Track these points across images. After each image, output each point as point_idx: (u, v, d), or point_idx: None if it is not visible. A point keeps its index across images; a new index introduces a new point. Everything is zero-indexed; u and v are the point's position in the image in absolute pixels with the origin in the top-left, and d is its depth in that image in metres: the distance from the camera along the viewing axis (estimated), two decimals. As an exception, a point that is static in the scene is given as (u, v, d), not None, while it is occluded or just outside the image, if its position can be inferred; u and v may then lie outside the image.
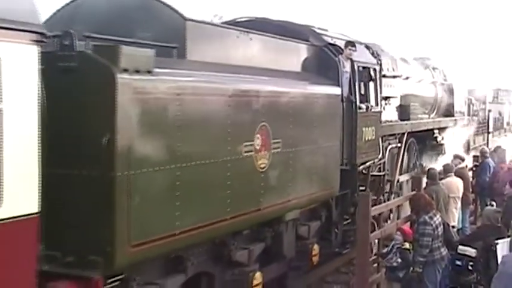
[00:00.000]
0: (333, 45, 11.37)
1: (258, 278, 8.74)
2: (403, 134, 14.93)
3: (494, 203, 13.69)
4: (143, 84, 6.39)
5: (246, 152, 8.17)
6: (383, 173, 13.53)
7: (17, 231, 5.05)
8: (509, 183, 11.92)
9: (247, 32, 9.02)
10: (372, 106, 12.29)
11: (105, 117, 6.04)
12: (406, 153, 15.56)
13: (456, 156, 14.64)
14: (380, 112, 12.93)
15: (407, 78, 15.79)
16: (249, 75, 8.58)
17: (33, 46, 5.17)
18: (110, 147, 6.03)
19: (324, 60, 11.05)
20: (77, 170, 5.94)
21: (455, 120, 19.26)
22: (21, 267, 5.14)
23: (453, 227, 11.52)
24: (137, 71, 6.29)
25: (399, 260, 9.69)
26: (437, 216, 9.75)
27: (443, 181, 12.17)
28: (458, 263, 9.54)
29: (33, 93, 5.17)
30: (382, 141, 13.25)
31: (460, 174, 13.26)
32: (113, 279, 6.35)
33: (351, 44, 11.52)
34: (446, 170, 12.76)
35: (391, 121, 14.13)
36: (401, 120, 14.81)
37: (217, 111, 7.62)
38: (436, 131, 17.53)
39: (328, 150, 10.53)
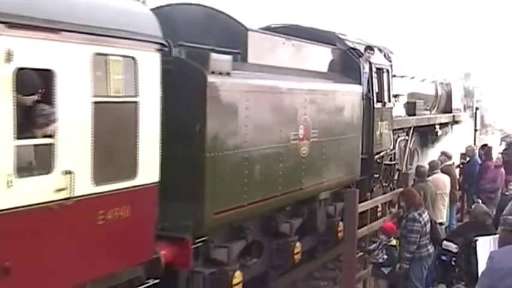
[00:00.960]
0: (354, 49, 12.97)
1: (298, 247, 10.34)
2: (410, 128, 16.57)
3: (480, 201, 13.20)
4: (224, 83, 7.97)
5: (292, 140, 9.77)
6: (394, 163, 15.15)
7: (146, 195, 6.62)
8: (505, 183, 12.29)
9: (290, 38, 10.59)
10: (385, 103, 13.91)
11: (197, 110, 7.61)
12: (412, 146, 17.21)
13: (443, 153, 14.44)
14: (392, 108, 14.54)
15: (412, 77, 17.42)
16: (293, 75, 10.16)
17: (156, 53, 6.73)
18: (201, 134, 7.61)
19: (347, 62, 12.64)
20: (178, 151, 7.46)
21: (453, 116, 20.93)
22: (148, 222, 6.71)
23: (441, 224, 11.48)
24: (220, 73, 7.87)
25: (385, 257, 9.61)
26: (426, 213, 9.79)
27: (429, 178, 11.99)
28: (444, 258, 9.44)
29: (157, 90, 6.73)
30: (393, 134, 14.86)
31: (446, 171, 13.11)
32: (199, 240, 7.93)
33: (370, 48, 13.13)
34: (432, 167, 12.57)
35: (400, 116, 15.74)
36: (408, 115, 16.43)
37: (273, 105, 9.21)
38: (437, 126, 19.18)
39: (352, 141, 12.14)
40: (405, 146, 16.41)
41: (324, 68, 11.96)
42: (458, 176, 15.16)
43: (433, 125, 18.92)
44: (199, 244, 7.99)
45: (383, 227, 10.13)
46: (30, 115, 5.30)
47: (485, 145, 18.40)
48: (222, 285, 8.42)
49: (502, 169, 14.89)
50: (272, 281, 10.28)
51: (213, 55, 7.76)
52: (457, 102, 21.92)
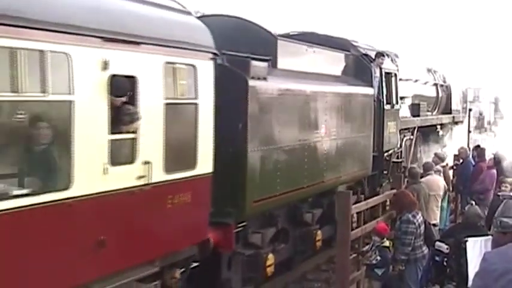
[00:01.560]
0: (366, 55, 14.07)
1: (319, 235, 11.46)
2: (414, 128, 17.70)
3: (473, 202, 12.84)
4: (262, 87, 9.05)
5: (316, 137, 10.86)
6: (401, 160, 16.27)
7: (203, 184, 7.69)
8: (497, 184, 11.98)
9: (311, 46, 11.68)
10: (394, 104, 15.02)
11: (240, 110, 8.68)
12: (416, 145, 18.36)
13: (436, 155, 14.60)
14: (399, 110, 15.66)
15: (416, 81, 18.56)
16: (315, 79, 11.25)
17: (210, 61, 7.81)
18: (243, 131, 8.68)
19: (360, 66, 13.75)
20: (226, 147, 8.51)
21: (453, 117, 22.10)
22: (204, 207, 7.79)
23: (434, 225, 11.34)
24: (258, 78, 8.95)
25: (378, 258, 9.53)
26: (420, 214, 9.78)
27: (423, 179, 12.03)
28: (437, 258, 9.33)
29: (211, 94, 7.80)
30: (399, 134, 15.98)
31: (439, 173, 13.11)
32: (240, 225, 9.01)
33: (381, 54, 14.25)
34: (426, 169, 12.68)
35: (405, 117, 16.87)
36: (413, 116, 17.57)
37: (300, 106, 10.30)
38: (438, 126, 20.34)
39: (365, 139, 13.24)
40: (410, 145, 17.53)
41: (340, 72, 13.05)
42: (452, 178, 15.32)
43: (435, 125, 20.08)
44: (240, 229, 9.06)
45: (375, 228, 10.00)
46: (119, 114, 6.36)
47: (478, 146, 18.49)
48: (258, 265, 9.51)
49: (494, 170, 14.70)
50: (297, 265, 11.39)
51: (253, 62, 8.85)
52: (456, 104, 23.10)
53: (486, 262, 3.47)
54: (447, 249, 9.10)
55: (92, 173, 5.96)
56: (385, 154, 14.92)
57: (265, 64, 9.18)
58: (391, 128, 14.91)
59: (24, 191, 5.38)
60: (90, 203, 5.94)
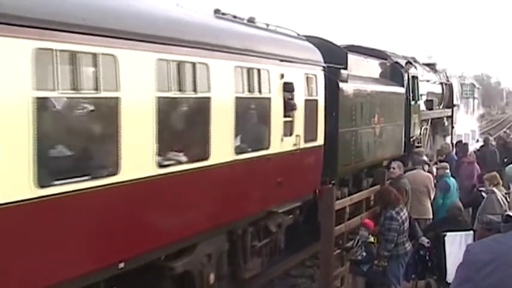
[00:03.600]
0: (398, 63, 18.25)
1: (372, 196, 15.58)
2: (429, 119, 21.94)
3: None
4: (345, 87, 13.16)
5: (372, 124, 15.02)
6: (420, 145, 20.47)
7: (319, 151, 11.79)
8: (477, 178, 12.52)
9: (365, 56, 15.80)
10: (416, 101, 19.23)
11: (334, 103, 12.77)
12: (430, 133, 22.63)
13: (416, 153, 14.87)
14: (420, 105, 19.88)
15: (428, 81, 22.80)
16: (369, 82, 15.39)
17: (322, 72, 11.91)
18: (336, 118, 12.79)
19: (395, 71, 17.92)
20: (328, 127, 12.50)
21: (455, 110, 26.48)
22: (319, 167, 11.90)
23: (416, 219, 10.88)
24: (344, 81, 13.06)
25: (364, 254, 9.56)
26: (404, 211, 9.84)
27: (408, 174, 12.35)
28: (421, 252, 9.63)
29: (323, 93, 11.90)
30: (420, 124, 20.20)
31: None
32: (331, 182, 13.13)
33: (409, 62, 18.46)
34: (415, 163, 13.44)
35: (423, 111, 21.07)
36: (427, 110, 21.80)
37: (365, 101, 14.45)
38: (444, 118, 24.63)
39: (399, 127, 17.42)
40: (425, 133, 21.78)
41: (382, 76, 17.22)
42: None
43: (442, 117, 24.37)
44: (331, 185, 13.17)
45: (364, 221, 10.17)
46: (286, 105, 10.41)
47: (460, 142, 19.80)
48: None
49: (476, 164, 15.19)
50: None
51: (341, 71, 12.95)
52: (456, 99, 27.44)
53: (469, 253, 3.44)
54: (428, 243, 9.50)
55: (276, 140, 10.05)
56: (411, 140, 19.10)
57: (346, 71, 13.29)
58: (415, 119, 19.10)
59: (249, 149, 9.43)
60: (275, 158, 10.03)
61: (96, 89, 6.24)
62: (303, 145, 10.95)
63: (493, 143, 20.27)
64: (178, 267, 7.93)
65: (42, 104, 5.71)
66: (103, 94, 6.34)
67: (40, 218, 5.78)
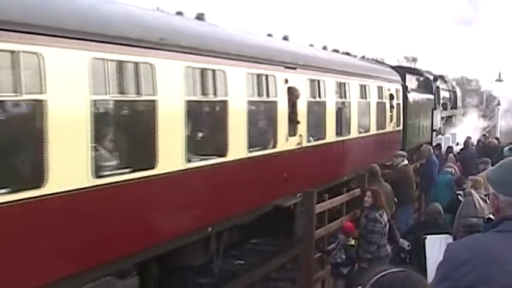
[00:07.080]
0: (428, 78, 26.53)
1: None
2: (443, 117, 30.33)
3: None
4: (410, 96, 21.37)
5: (418, 119, 23.19)
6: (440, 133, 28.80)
7: (396, 136, 19.97)
8: (456, 183, 12.52)
9: (412, 74, 24.01)
10: (439, 103, 27.59)
11: (403, 107, 20.90)
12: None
13: (399, 155, 14.51)
14: (440, 108, 28.24)
15: (442, 89, 31.21)
16: (417, 91, 23.59)
17: (401, 87, 20.11)
18: (404, 113, 20.93)
19: (427, 84, 26.11)
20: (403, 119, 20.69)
21: (459, 110, 35.04)
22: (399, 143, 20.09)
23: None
24: (409, 92, 21.29)
25: (343, 257, 9.57)
26: (385, 214, 9.81)
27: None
28: (402, 255, 9.59)
29: (401, 99, 20.11)
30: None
31: (403, 171, 13.65)
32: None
33: (436, 78, 26.85)
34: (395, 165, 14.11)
35: (441, 111, 29.41)
36: (443, 110, 30.15)
37: (417, 105, 22.63)
38: (453, 117, 33.15)
39: (429, 122, 25.62)
40: (441, 126, 30.21)
41: (420, 87, 25.42)
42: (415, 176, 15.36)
43: (451, 116, 32.91)
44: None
45: (343, 227, 10.10)
46: (391, 106, 18.49)
47: (439, 145, 21.56)
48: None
49: (457, 168, 15.13)
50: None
51: (408, 86, 21.14)
52: (459, 102, 36.02)
53: (449, 252, 3.41)
54: (408, 246, 9.43)
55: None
56: (435, 130, 27.41)
57: (403, 84, 21.45)
58: (437, 116, 27.45)
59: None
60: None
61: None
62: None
63: (473, 146, 21.75)
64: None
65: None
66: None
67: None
